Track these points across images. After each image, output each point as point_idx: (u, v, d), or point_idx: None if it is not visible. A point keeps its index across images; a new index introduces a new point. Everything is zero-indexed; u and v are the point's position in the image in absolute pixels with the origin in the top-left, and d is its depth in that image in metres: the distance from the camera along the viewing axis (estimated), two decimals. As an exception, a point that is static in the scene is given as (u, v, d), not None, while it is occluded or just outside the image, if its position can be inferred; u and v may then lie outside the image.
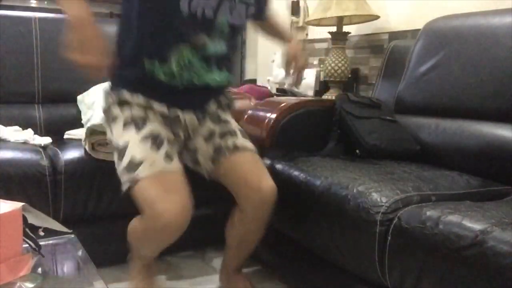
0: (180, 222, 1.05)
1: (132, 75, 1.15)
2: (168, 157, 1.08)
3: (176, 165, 1.10)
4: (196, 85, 1.16)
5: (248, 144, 1.27)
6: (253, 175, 1.22)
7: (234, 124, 1.30)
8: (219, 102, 1.30)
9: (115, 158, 1.13)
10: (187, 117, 1.21)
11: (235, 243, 1.35)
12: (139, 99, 1.14)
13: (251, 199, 1.21)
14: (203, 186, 1.58)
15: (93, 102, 1.71)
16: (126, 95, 1.14)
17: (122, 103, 1.14)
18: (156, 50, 1.11)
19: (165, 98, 1.16)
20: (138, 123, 1.11)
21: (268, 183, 1.21)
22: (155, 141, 1.09)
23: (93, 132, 1.51)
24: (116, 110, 1.15)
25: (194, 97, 1.20)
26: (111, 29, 2.07)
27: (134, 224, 1.17)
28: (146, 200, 1.04)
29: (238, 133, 1.28)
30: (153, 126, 1.12)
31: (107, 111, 1.19)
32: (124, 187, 1.09)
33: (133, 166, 1.06)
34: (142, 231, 1.13)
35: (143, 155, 1.07)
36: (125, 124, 1.12)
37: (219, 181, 1.28)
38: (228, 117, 1.31)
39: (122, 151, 1.10)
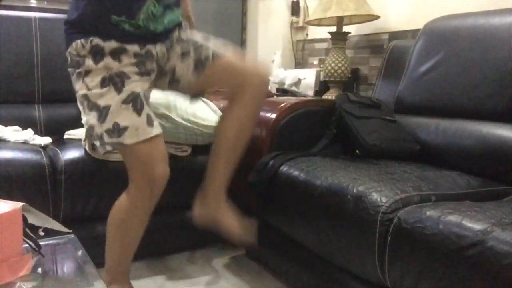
0: (163, 185, 1.16)
1: (100, 26, 1.15)
2: (149, 121, 1.13)
3: (156, 129, 1.15)
4: (159, 29, 1.21)
5: (226, 47, 1.31)
6: (246, 64, 1.29)
7: (199, 38, 1.33)
8: (179, 29, 1.32)
9: (92, 116, 1.13)
10: (158, 48, 1.23)
11: (228, 145, 1.31)
12: (111, 43, 1.14)
13: (250, 83, 1.26)
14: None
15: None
16: (99, 41, 1.14)
17: (95, 52, 1.13)
18: (125, 9, 1.14)
19: (134, 40, 1.18)
20: (116, 83, 1.12)
21: (262, 65, 1.33)
22: (136, 104, 1.12)
23: None
24: (88, 61, 1.13)
25: (159, 35, 1.23)
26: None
27: (118, 204, 1.22)
28: (135, 167, 1.14)
29: (210, 42, 1.32)
30: (131, 84, 1.13)
31: (75, 58, 1.17)
32: (102, 150, 1.15)
33: (117, 131, 1.11)
34: (129, 204, 1.18)
35: (126, 122, 1.11)
36: (103, 82, 1.12)
37: (203, 87, 1.37)
38: (191, 35, 1.34)
39: (103, 113, 1.11)
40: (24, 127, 1.73)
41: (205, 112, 1.71)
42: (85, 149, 1.51)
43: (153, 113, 1.18)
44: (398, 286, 1.01)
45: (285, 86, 2.46)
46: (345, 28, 2.24)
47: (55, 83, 1.95)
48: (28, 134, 1.64)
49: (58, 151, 1.52)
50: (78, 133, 1.75)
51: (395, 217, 1.02)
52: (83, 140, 1.53)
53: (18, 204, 0.84)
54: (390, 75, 1.90)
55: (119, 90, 1.12)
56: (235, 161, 1.33)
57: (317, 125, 1.65)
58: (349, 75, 2.26)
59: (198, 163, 1.65)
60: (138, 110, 1.12)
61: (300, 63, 2.84)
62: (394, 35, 2.20)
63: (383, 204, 1.05)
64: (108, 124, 1.12)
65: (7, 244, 0.81)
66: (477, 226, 0.87)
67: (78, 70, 1.16)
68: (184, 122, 1.62)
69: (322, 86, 2.46)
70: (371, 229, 1.04)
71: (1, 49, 1.85)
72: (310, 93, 2.48)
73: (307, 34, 2.75)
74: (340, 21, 2.20)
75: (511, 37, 1.43)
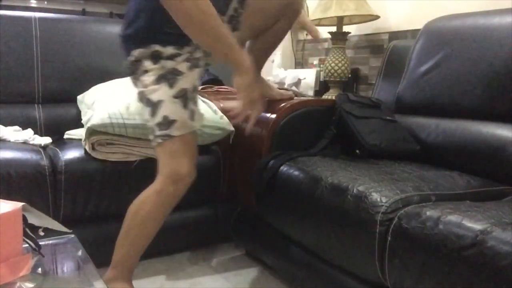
0: (188, 182, 1.26)
1: (157, 36, 1.24)
2: (192, 115, 1.25)
3: (196, 123, 1.28)
4: None
5: None
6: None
7: None
8: None
9: (147, 110, 1.25)
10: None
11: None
12: (169, 49, 1.24)
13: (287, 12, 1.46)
14: (203, 187, 1.59)
15: (93, 102, 1.71)
16: (159, 47, 1.23)
17: (154, 56, 1.24)
18: (174, 22, 1.19)
19: (188, 41, 1.25)
20: (169, 79, 1.23)
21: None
22: (184, 100, 1.24)
23: (93, 132, 1.51)
24: (147, 62, 1.24)
25: None
26: (111, 29, 2.11)
27: (143, 197, 1.27)
28: (171, 155, 1.24)
29: None
30: (181, 82, 1.24)
31: (135, 64, 1.26)
32: (155, 141, 1.25)
33: (166, 123, 1.22)
34: (155, 198, 1.25)
35: (175, 115, 1.22)
36: (158, 79, 1.22)
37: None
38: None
39: (155, 107, 1.23)
40: (24, 127, 1.73)
41: (205, 112, 1.71)
42: (85, 149, 1.51)
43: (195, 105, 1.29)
44: (398, 286, 1.01)
45: (285, 86, 2.46)
46: (345, 28, 2.24)
47: (55, 83, 1.95)
48: (28, 134, 1.64)
49: (58, 151, 1.52)
50: (78, 133, 1.75)
51: (395, 217, 1.02)
52: (83, 140, 1.53)
53: (18, 204, 0.84)
54: (390, 75, 1.91)
55: (171, 86, 1.22)
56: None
57: (317, 125, 1.65)
58: (349, 75, 2.26)
59: (198, 163, 1.65)
60: (185, 105, 1.24)
61: (300, 63, 2.84)
62: (394, 35, 2.20)
63: (383, 204, 1.05)
64: (159, 118, 1.22)
65: (7, 244, 0.81)
66: (477, 226, 0.87)
67: (137, 72, 1.26)
68: None
69: (322, 86, 2.46)
70: (371, 229, 1.04)
71: (1, 49, 1.86)
72: (310, 93, 2.48)
73: (307, 34, 2.75)
74: (340, 21, 2.20)
75: (511, 37, 1.43)
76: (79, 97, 1.91)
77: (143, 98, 1.26)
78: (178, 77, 1.23)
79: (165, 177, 1.24)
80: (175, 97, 1.22)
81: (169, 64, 1.23)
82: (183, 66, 1.25)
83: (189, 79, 1.25)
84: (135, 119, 1.54)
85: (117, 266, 1.28)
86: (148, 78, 1.23)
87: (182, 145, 1.24)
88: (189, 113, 1.24)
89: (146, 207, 1.26)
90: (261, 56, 1.56)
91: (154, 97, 1.22)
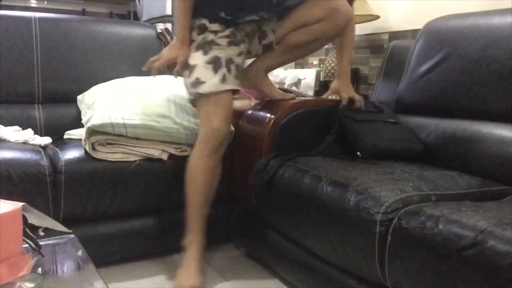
0: (219, 137, 1.46)
1: (208, 13, 1.53)
2: (223, 79, 1.48)
3: (228, 85, 1.49)
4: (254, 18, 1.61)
5: None
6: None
7: None
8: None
9: (185, 73, 1.52)
10: (249, 28, 1.64)
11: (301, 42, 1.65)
12: (214, 26, 1.52)
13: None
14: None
15: (93, 102, 1.70)
16: (205, 21, 1.52)
17: (200, 28, 1.53)
18: (229, 12, 1.53)
19: (232, 24, 1.55)
20: (205, 47, 1.50)
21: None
22: (216, 65, 1.48)
23: (93, 132, 1.51)
24: (194, 33, 1.54)
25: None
26: (111, 29, 2.11)
27: (191, 156, 1.49)
28: (205, 113, 1.49)
29: None
30: (216, 51, 1.50)
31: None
32: (190, 97, 1.58)
33: (197, 84, 1.47)
34: (196, 152, 1.48)
35: (204, 77, 1.47)
36: (197, 48, 1.51)
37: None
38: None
39: (191, 69, 1.50)
40: (24, 127, 1.72)
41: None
42: (85, 149, 1.51)
43: (236, 75, 1.53)
44: (398, 286, 1.01)
45: (285, 86, 2.46)
46: (345, 28, 2.23)
47: (55, 83, 1.95)
48: (28, 134, 1.64)
49: (58, 151, 1.52)
50: (78, 133, 1.75)
51: (395, 217, 1.02)
52: (83, 140, 1.53)
53: (18, 204, 0.84)
54: (390, 75, 1.91)
55: (205, 53, 1.49)
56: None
57: (317, 125, 1.65)
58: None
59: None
60: (216, 70, 1.48)
61: (300, 63, 2.84)
62: (394, 35, 2.20)
63: (383, 204, 1.05)
64: (192, 78, 1.49)
65: (7, 244, 0.81)
66: (477, 226, 0.87)
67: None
68: (185, 123, 1.62)
69: (322, 86, 2.47)
70: (371, 229, 1.04)
71: (1, 49, 1.86)
72: (310, 93, 2.48)
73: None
74: (340, 21, 2.19)
75: (511, 37, 1.43)
76: (79, 97, 1.91)
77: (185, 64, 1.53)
78: (214, 47, 1.50)
79: (201, 134, 1.48)
80: (208, 62, 1.48)
81: (210, 36, 1.51)
82: (221, 41, 1.52)
83: (225, 51, 1.51)
84: (135, 119, 1.54)
85: (189, 222, 1.49)
86: (191, 46, 1.52)
87: (213, 104, 1.46)
88: (219, 76, 1.47)
89: (191, 162, 1.48)
90: (287, 52, 1.68)
91: (191, 61, 1.50)
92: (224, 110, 1.47)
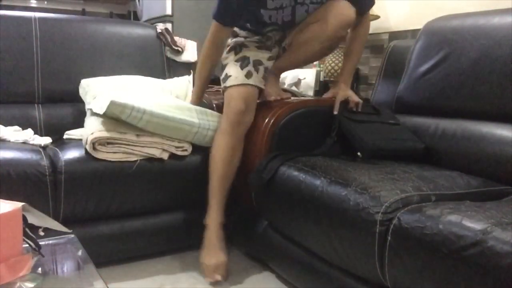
0: (237, 116, 1.58)
1: (239, 25, 1.75)
2: (248, 75, 1.64)
3: (252, 81, 1.63)
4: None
5: None
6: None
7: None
8: None
9: (224, 71, 1.71)
10: (277, 36, 1.79)
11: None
12: (243, 33, 1.76)
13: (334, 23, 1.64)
14: (204, 188, 1.59)
15: (94, 96, 1.76)
16: (236, 29, 1.75)
17: (233, 34, 1.76)
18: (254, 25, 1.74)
19: (260, 33, 1.76)
20: (236, 49, 1.72)
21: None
22: (243, 63, 1.67)
23: (108, 109, 1.46)
24: (228, 39, 1.75)
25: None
26: (111, 29, 2.11)
27: (216, 138, 1.62)
28: (227, 99, 1.63)
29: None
30: (245, 52, 1.70)
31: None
32: (223, 89, 1.70)
33: (225, 79, 1.67)
34: (219, 134, 1.60)
35: (232, 72, 1.66)
36: (230, 50, 1.74)
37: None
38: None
39: (223, 68, 1.73)
40: (24, 127, 1.73)
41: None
42: (85, 149, 1.51)
43: (264, 76, 1.68)
44: (398, 286, 1.01)
45: (285, 86, 2.46)
46: (345, 28, 2.23)
47: (55, 83, 1.95)
48: (28, 134, 1.64)
49: (58, 151, 1.52)
50: (78, 133, 1.75)
51: (395, 217, 1.02)
52: (83, 140, 1.53)
53: (18, 204, 0.84)
54: (390, 75, 1.91)
55: (236, 53, 1.71)
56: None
57: (317, 125, 1.65)
58: (349, 75, 2.26)
59: (198, 163, 1.65)
60: (243, 67, 1.66)
61: (300, 63, 2.83)
62: (394, 35, 2.20)
63: (383, 204, 1.05)
64: (224, 74, 1.69)
65: (7, 244, 0.81)
66: (477, 226, 0.87)
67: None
68: (202, 121, 1.62)
69: (322, 86, 2.46)
70: (371, 229, 1.04)
71: (1, 49, 1.86)
72: (310, 93, 2.48)
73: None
74: (340, 21, 2.19)
75: (511, 37, 1.43)
76: (83, 81, 1.92)
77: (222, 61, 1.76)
78: (244, 49, 1.71)
79: (223, 119, 1.60)
80: (236, 61, 1.68)
81: (240, 40, 1.74)
82: (250, 44, 1.73)
83: (254, 53, 1.70)
84: (154, 108, 1.53)
85: (210, 204, 1.56)
86: (226, 48, 1.75)
87: (236, 93, 1.60)
88: (245, 72, 1.64)
89: (215, 148, 1.59)
90: (294, 52, 1.74)
91: (224, 61, 1.74)
92: (244, 96, 1.59)
